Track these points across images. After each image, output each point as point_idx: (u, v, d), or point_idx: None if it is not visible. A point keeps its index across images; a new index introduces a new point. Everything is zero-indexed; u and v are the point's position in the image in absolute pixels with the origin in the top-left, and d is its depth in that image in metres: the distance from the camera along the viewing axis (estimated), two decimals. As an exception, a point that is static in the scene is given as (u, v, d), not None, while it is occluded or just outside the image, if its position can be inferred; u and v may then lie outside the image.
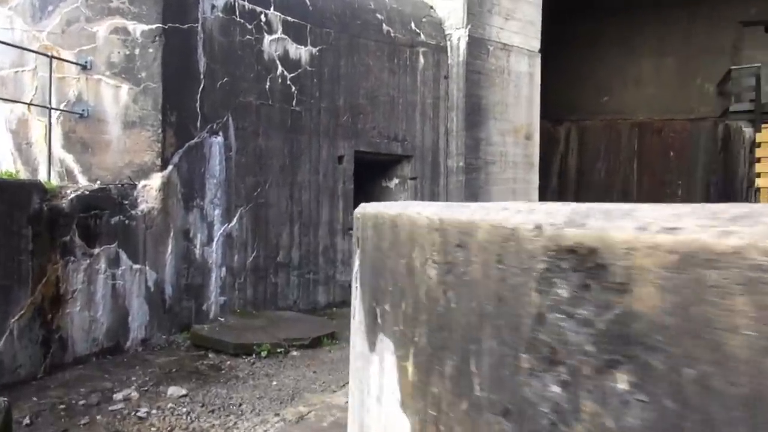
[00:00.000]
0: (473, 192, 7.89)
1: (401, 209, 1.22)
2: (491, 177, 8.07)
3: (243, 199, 6.13)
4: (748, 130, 13.85)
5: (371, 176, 8.40)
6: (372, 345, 1.40)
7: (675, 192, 14.64)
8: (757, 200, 10.63)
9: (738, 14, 15.89)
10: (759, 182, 9.63)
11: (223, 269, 5.94)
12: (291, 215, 6.61)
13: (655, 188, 14.64)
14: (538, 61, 8.67)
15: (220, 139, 5.86)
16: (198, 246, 5.69)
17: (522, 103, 8.43)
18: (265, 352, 4.84)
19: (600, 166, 15.20)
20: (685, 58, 16.45)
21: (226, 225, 5.96)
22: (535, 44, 8.65)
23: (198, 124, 5.67)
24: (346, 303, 7.09)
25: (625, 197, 14.00)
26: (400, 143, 7.61)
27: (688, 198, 14.49)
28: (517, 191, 8.33)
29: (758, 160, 9.72)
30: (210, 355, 4.88)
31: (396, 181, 8.03)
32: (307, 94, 6.71)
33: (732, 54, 16.12)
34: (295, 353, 4.95)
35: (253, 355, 4.82)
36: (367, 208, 1.66)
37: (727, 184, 14.21)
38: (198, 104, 5.66)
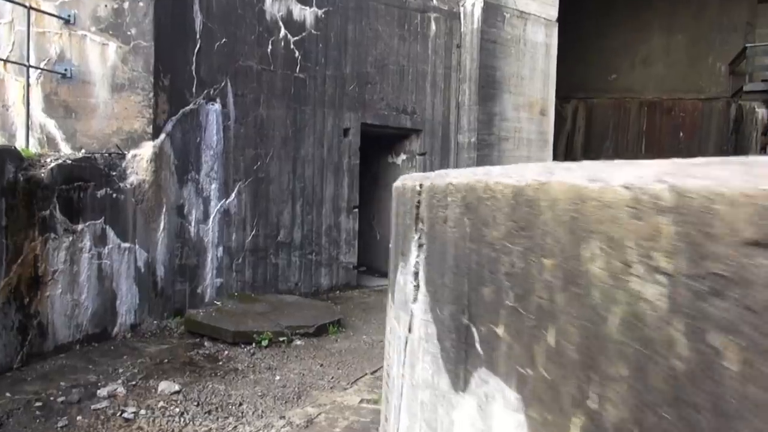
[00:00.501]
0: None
1: (539, 174, 0.76)
2: (504, 155, 7.61)
3: (242, 173, 5.65)
4: (761, 111, 13.42)
5: (376, 151, 7.92)
6: (460, 381, 0.96)
7: (683, 174, 14.18)
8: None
9: (753, -9, 15.33)
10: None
11: (220, 249, 5.48)
12: (293, 191, 6.13)
13: (663, 170, 14.17)
14: (555, 31, 8.15)
15: (217, 106, 5.35)
16: (193, 223, 5.22)
17: (538, 76, 7.94)
18: (267, 341, 4.40)
19: (608, 146, 14.76)
20: (696, 35, 15.93)
21: (224, 201, 5.49)
22: (553, 12, 8.12)
23: (193, 89, 5.15)
24: (349, 286, 6.66)
25: (631, 178, 13.55)
26: (409, 116, 7.12)
27: (696, 180, 14.04)
28: (530, 170, 7.87)
29: (779, 141, 9.28)
30: (206, 344, 4.44)
31: (403, 156, 7.55)
32: (311, 60, 6.18)
33: (746, 32, 15.61)
34: (298, 342, 4.53)
35: (253, 344, 4.39)
36: (434, 179, 1.21)
37: (737, 167, 13.77)
38: (194, 67, 5.14)
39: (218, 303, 5.20)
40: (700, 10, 15.77)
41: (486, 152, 7.46)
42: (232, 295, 5.47)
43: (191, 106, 5.12)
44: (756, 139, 13.45)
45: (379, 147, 7.87)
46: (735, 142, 13.72)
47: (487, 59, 7.40)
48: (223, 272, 5.52)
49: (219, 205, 5.43)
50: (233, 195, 5.55)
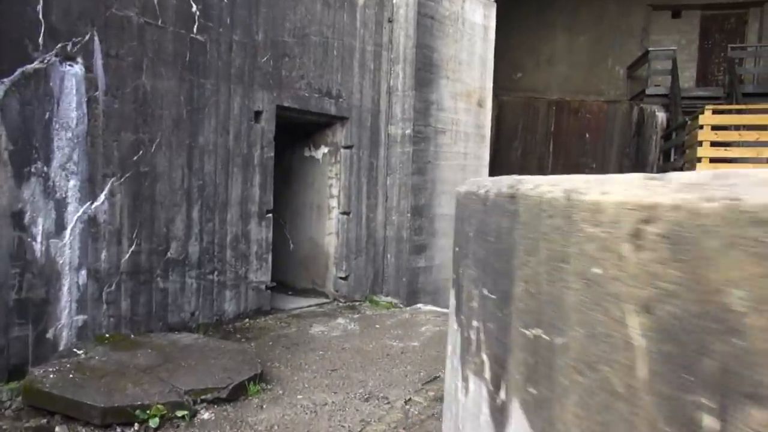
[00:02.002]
0: (420, 168, 6.31)
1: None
2: (441, 150, 6.54)
3: (116, 165, 4.05)
4: (661, 115, 13.56)
5: (290, 142, 6.52)
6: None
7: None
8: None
9: (648, -3, 15.67)
10: (699, 168, 9.00)
11: (83, 273, 3.85)
12: (189, 192, 4.61)
13: (570, 171, 13.99)
14: (493, 12, 7.23)
15: (78, 69, 3.72)
16: (39, 238, 3.56)
17: (476, 62, 6.96)
18: (157, 420, 2.92)
19: (516, 145, 14.36)
20: (597, 37, 16.04)
21: (89, 205, 3.86)
22: (490, -8, 7.19)
23: (40, 39, 3.50)
24: (262, 311, 5.23)
25: (539, 179, 13.16)
26: (334, 100, 5.81)
27: (600, 182, 13.96)
28: (467, 168, 6.89)
29: (700, 143, 9.10)
30: (57, 429, 2.87)
31: (325, 150, 6.22)
32: (213, 17, 4.68)
33: (641, 37, 15.95)
34: (206, 416, 3.08)
35: (136, 427, 2.89)
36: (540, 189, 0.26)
37: (639, 170, 13.90)
38: (40, 6, 3.49)
39: (80, 353, 3.59)
40: (600, 13, 15.89)
41: (422, 146, 6.34)
42: (101, 339, 3.87)
43: (36, 64, 3.46)
44: (656, 142, 13.60)
45: (294, 137, 6.47)
46: (637, 144, 13.81)
47: (424, 38, 6.27)
48: (88, 306, 3.90)
49: (81, 211, 3.81)
50: (103, 197, 3.94)
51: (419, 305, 6.04)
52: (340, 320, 5.29)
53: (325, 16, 5.68)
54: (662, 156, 13.41)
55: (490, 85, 7.27)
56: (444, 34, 6.51)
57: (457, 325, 1.55)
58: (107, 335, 3.93)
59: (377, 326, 5.11)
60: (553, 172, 13.91)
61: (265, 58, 5.13)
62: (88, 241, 3.88)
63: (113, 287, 4.07)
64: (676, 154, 11.69)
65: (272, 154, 5.31)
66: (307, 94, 5.54)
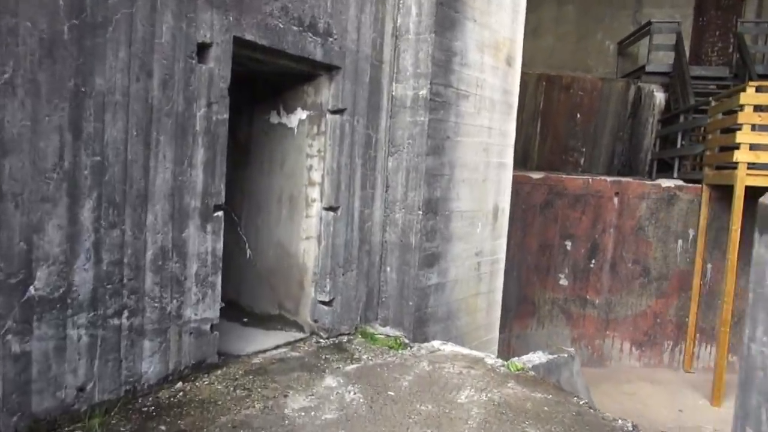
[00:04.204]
0: (437, 145, 4.43)
1: None
2: (462, 121, 4.67)
3: None
4: (659, 95, 12.14)
5: (249, 102, 4.50)
6: None
7: (577, 161, 12.62)
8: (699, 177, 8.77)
9: (643, -35, 14.20)
10: (738, 156, 7.54)
11: None
12: (73, 176, 2.57)
13: (557, 155, 12.47)
14: (528, -62, 5.38)
15: None
16: None
17: (506, 5, 5.10)
18: None
19: (501, 124, 12.68)
20: (585, 7, 14.47)
21: None
22: None
23: None
24: (204, 367, 3.24)
25: (524, 163, 11.59)
26: (320, 39, 3.82)
27: (590, 168, 12.57)
28: (491, 149, 5.06)
29: (738, 127, 7.61)
30: None
31: (302, 115, 4.23)
32: None
33: (635, 9, 14.50)
34: None
35: None
36: None
37: (632, 156, 12.51)
38: None
39: None
40: (591, -21, 14.28)
41: (441, 115, 4.44)
42: None
43: None
44: (652, 126, 12.19)
45: (255, 94, 4.45)
46: (631, 127, 12.38)
47: (447, -42, 4.35)
48: None
49: None
50: None
51: (436, 343, 4.20)
52: (330, 380, 3.39)
53: None
54: (659, 141, 12.03)
55: (521, 37, 5.43)
56: (472, -42, 4.60)
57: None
58: None
59: (390, 393, 3.24)
60: (540, 157, 12.33)
61: (217, -44, 3.10)
62: None
63: None
64: (684, 139, 10.26)
65: (226, 115, 3.29)
66: (282, 25, 3.53)
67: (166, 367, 3.11)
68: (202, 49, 3.12)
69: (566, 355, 4.16)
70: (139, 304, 2.93)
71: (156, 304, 3.02)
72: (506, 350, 8.34)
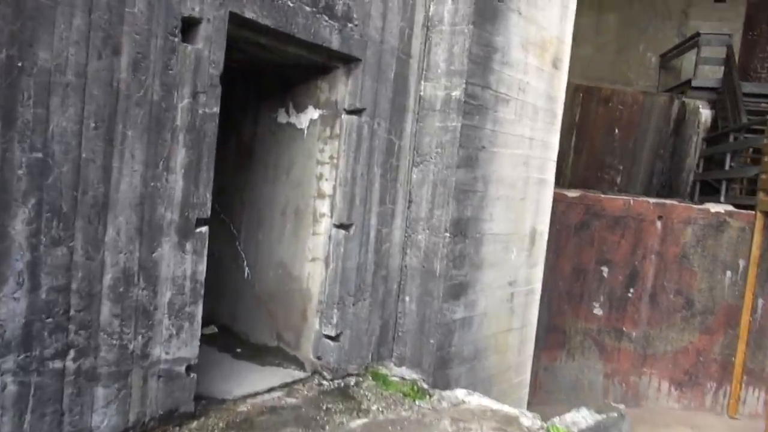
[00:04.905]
0: (470, 156, 3.76)
1: None
2: (500, 129, 4.01)
3: None
4: (705, 112, 11.32)
5: (254, 98, 3.89)
6: None
7: (613, 179, 11.85)
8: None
9: (691, -27, 13.41)
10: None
11: None
12: (1, 176, 1.96)
13: (593, 171, 11.73)
14: (582, -75, 4.72)
15: None
16: None
17: (555, -2, 4.44)
18: None
19: (533, 137, 11.98)
20: (628, 18, 13.71)
21: None
22: None
23: None
24: (177, 417, 2.62)
25: (556, 179, 10.85)
26: (338, 24, 3.19)
27: (627, 188, 11.79)
28: (531, 162, 4.38)
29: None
30: None
31: (314, 114, 3.60)
32: None
33: (680, 21, 13.70)
34: None
35: None
36: None
37: (673, 176, 11.68)
38: None
39: None
40: (635, -13, 13.51)
41: (476, 121, 3.78)
42: None
43: None
44: (696, 144, 11.37)
45: (260, 88, 3.84)
46: (673, 146, 11.56)
47: (492, -62, 3.70)
48: None
49: None
50: None
51: (460, 393, 3.52)
52: (330, 441, 2.73)
53: None
54: (703, 161, 11.21)
55: (569, 37, 4.75)
56: (520, -60, 3.95)
57: None
58: None
59: (404, 464, 2.57)
60: (573, 173, 11.58)
61: None
62: None
63: None
64: (734, 160, 9.44)
65: (216, 109, 2.67)
66: (291, 3, 2.91)
67: (126, 419, 2.48)
68: (189, 26, 2.51)
69: (616, 415, 3.45)
70: (90, 342, 2.31)
71: (114, 342, 2.40)
72: (532, 384, 7.61)
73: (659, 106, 11.57)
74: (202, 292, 2.75)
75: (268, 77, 3.77)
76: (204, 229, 2.70)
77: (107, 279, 2.34)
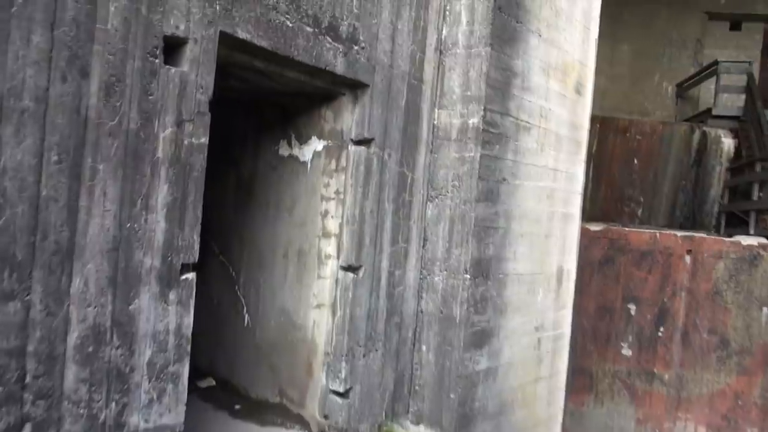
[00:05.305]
0: (490, 189, 3.42)
1: None
2: (523, 160, 3.67)
3: None
4: (727, 141, 10.95)
5: (254, 130, 3.59)
6: None
7: (634, 211, 11.44)
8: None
9: (705, 3, 13.21)
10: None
11: None
12: (-65, 219, 1.64)
13: (612, 204, 11.33)
14: (602, -56, 4.46)
15: None
16: None
17: (577, 17, 4.16)
18: None
19: (549, 169, 11.65)
20: (643, 47, 13.49)
21: None
22: None
23: None
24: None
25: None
26: (342, 47, 2.90)
27: (648, 220, 11.37)
28: (555, 194, 4.02)
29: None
30: None
31: (318, 145, 3.29)
32: None
33: (695, 50, 13.45)
34: None
35: None
36: None
37: (696, 207, 11.24)
38: None
39: None
40: (648, 19, 13.31)
41: (496, 151, 3.45)
42: None
43: None
44: (720, 174, 10.97)
45: (259, 119, 3.55)
46: (695, 176, 11.15)
47: (508, -45, 3.43)
48: None
49: None
50: None
51: (487, 457, 3.08)
52: None
53: None
54: (728, 192, 10.79)
55: (592, 61, 4.45)
56: (538, -42, 3.68)
57: None
58: None
59: None
60: (593, 206, 11.16)
61: None
62: None
63: None
64: (762, 190, 9.02)
65: (205, 139, 2.36)
66: (290, 23, 2.63)
67: (93, 503, 2.10)
68: (173, 46, 2.22)
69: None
70: (51, 414, 1.95)
71: (81, 411, 2.03)
72: (559, 432, 7.07)
73: (679, 136, 11.21)
74: (189, 348, 2.39)
75: (268, 107, 3.48)
76: (191, 275, 2.36)
77: (73, 338, 1.99)
